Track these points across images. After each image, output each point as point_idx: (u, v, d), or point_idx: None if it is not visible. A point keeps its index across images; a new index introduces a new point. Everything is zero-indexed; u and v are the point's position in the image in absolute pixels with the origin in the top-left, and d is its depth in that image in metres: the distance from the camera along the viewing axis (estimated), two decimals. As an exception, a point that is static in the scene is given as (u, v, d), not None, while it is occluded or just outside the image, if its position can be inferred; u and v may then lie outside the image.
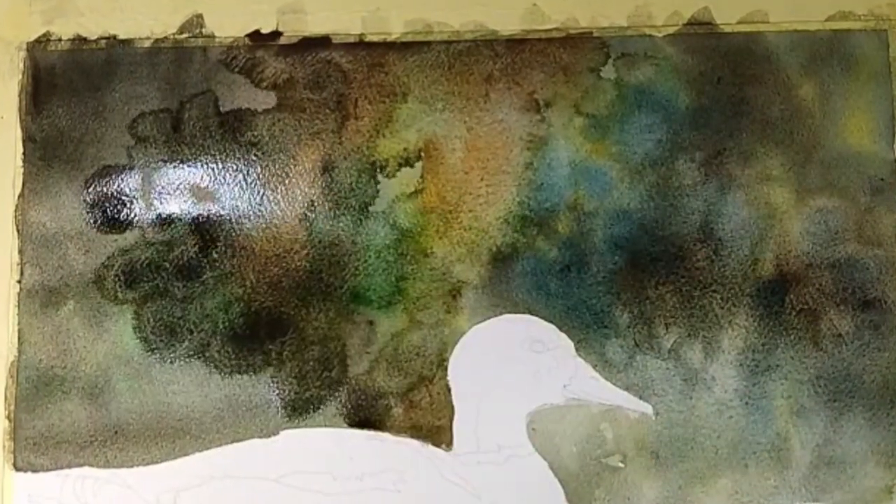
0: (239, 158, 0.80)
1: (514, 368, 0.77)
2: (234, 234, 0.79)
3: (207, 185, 0.80)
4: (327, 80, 0.80)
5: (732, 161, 0.80)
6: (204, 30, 0.81)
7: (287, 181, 0.79)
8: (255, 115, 0.80)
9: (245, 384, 0.78)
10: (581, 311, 0.78)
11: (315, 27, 0.81)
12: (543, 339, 0.78)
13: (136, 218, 0.79)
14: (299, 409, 0.78)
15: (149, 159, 0.80)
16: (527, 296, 0.79)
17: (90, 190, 0.80)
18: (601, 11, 0.81)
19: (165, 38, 0.81)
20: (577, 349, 0.78)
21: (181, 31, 0.81)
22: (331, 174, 0.80)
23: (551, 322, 0.78)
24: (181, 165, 0.80)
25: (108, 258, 0.79)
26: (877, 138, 0.80)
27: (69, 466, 0.77)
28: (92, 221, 0.79)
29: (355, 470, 0.76)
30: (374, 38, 0.81)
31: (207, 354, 0.78)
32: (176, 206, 0.80)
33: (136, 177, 0.80)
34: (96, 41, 0.81)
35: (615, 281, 0.79)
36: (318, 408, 0.78)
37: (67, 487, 0.77)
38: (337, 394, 0.78)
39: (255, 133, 0.80)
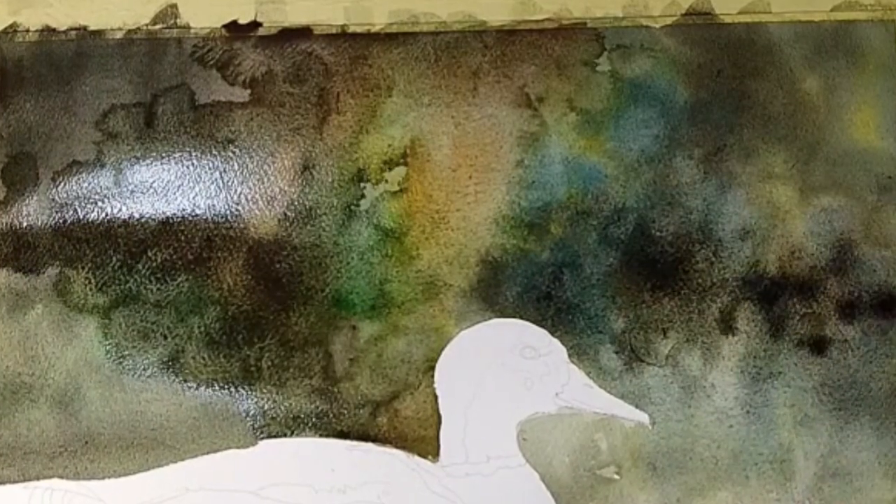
0: (215, 155, 0.80)
1: (503, 375, 0.77)
2: (209, 234, 0.79)
3: (182, 183, 0.79)
4: (308, 73, 0.80)
5: (733, 158, 0.80)
6: (178, 20, 0.81)
7: (265, 179, 0.79)
8: (232, 110, 0.80)
9: (222, 392, 0.78)
10: (574, 315, 0.78)
11: (295, 18, 0.81)
12: (535, 345, 0.77)
13: (107, 217, 0.79)
14: (278, 418, 0.77)
15: (120, 155, 0.80)
16: (517, 299, 0.78)
17: (59, 188, 0.79)
18: (595, 1, 0.81)
19: (138, 29, 0.81)
20: (569, 355, 0.78)
21: (155, 21, 0.81)
22: (311, 172, 0.79)
23: (543, 327, 0.78)
24: (154, 162, 0.80)
25: (78, 259, 0.79)
26: (884, 134, 0.80)
27: (37, 478, 0.77)
28: (61, 221, 0.79)
29: (337, 482, 0.76)
30: (358, 30, 0.81)
31: (182, 361, 0.78)
32: (149, 204, 0.79)
33: (107, 174, 0.80)
34: (65, 32, 0.81)
35: (610, 284, 0.79)
36: (299, 417, 0.77)
37: (35, 500, 0.76)
38: (318, 402, 0.77)
39: (232, 129, 0.80)
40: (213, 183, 0.79)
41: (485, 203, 0.79)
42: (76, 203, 0.79)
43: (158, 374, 0.78)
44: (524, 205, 0.79)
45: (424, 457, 0.76)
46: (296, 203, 0.79)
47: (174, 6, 0.81)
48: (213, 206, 0.79)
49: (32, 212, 0.79)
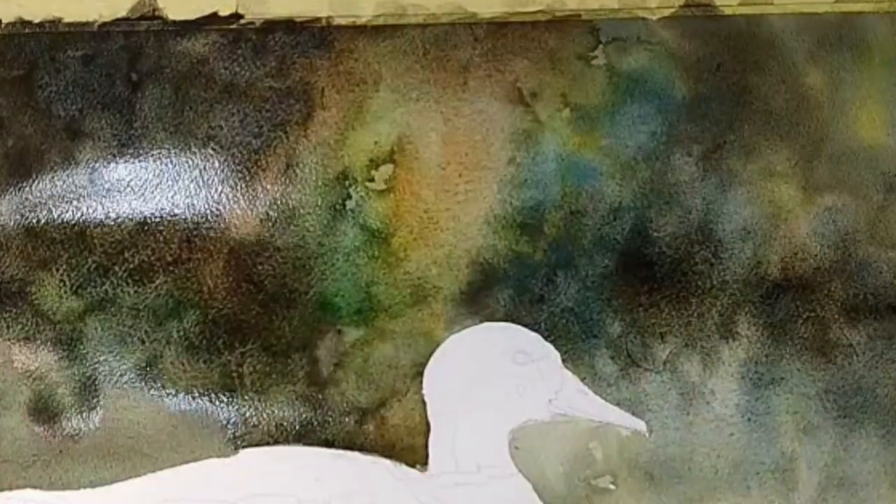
0: (194, 153, 0.79)
1: (495, 382, 0.77)
2: (189, 235, 0.78)
3: (160, 182, 0.79)
4: (291, 67, 0.80)
5: (733, 155, 0.80)
6: (157, 12, 0.80)
7: (247, 178, 0.79)
8: (213, 106, 0.79)
9: (202, 399, 0.77)
10: (568, 319, 0.78)
11: (278, 9, 0.80)
12: (527, 350, 0.77)
13: (83, 217, 0.79)
14: (261, 426, 0.77)
15: (96, 153, 0.79)
16: (509, 302, 0.78)
17: (32, 187, 0.79)
18: (590, -8, 0.81)
19: (115, 21, 0.80)
20: (563, 361, 0.77)
21: (132, 13, 0.80)
22: (295, 170, 0.79)
23: (536, 331, 0.78)
24: (132, 160, 0.79)
25: (52, 262, 0.78)
26: (891, 131, 0.80)
27: (10, 488, 0.76)
28: (34, 221, 0.78)
29: (322, 492, 0.75)
30: (343, 22, 0.80)
31: (160, 367, 0.77)
32: (126, 204, 0.79)
33: (82, 172, 0.79)
34: (39, 25, 0.80)
35: (606, 286, 0.78)
36: (282, 424, 0.77)
37: (8, 511, 0.76)
38: (302, 409, 0.77)
39: (212, 125, 0.79)
40: (192, 181, 0.79)
41: (475, 202, 0.79)
42: (50, 203, 0.79)
43: (136, 381, 0.77)
44: (516, 204, 0.79)
45: (412, 466, 0.76)
46: (279, 202, 0.79)
47: (152, -3, 0.81)
48: (193, 205, 0.79)
49: (4, 212, 0.79)
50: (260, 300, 0.78)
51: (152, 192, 0.79)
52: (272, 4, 0.80)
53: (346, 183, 0.79)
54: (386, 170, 0.79)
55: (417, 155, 0.79)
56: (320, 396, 0.77)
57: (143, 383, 0.77)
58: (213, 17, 0.80)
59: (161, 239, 0.78)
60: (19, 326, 0.78)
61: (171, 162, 0.79)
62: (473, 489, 0.75)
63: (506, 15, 0.80)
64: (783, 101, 0.80)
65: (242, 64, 0.79)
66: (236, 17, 0.80)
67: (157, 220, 0.78)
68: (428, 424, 0.76)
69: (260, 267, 0.78)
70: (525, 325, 0.78)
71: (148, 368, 0.77)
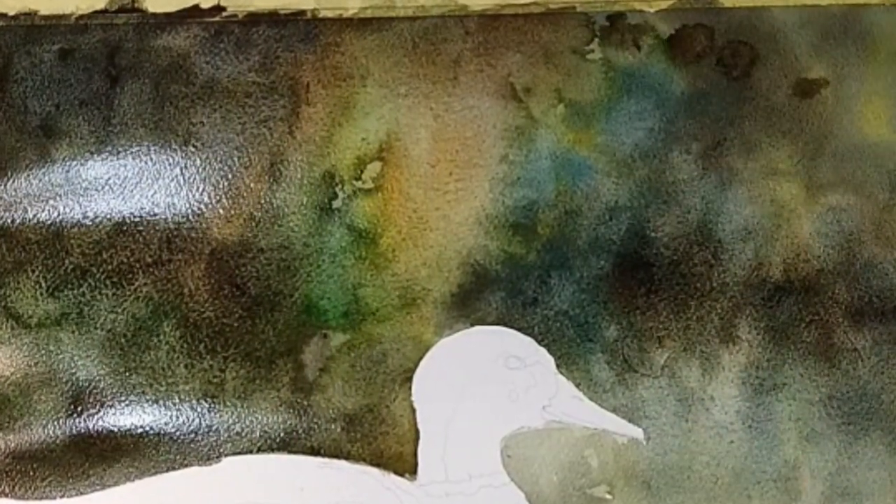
0: (175, 150, 0.79)
1: (486, 387, 0.76)
2: (169, 236, 0.78)
3: (139, 181, 0.78)
4: (275, 61, 0.79)
5: (733, 153, 0.79)
6: (136, 5, 0.80)
7: (230, 176, 0.78)
8: (194, 102, 0.79)
9: (183, 405, 0.77)
10: (563, 322, 0.78)
11: (262, 1, 0.80)
12: (520, 355, 0.77)
13: (59, 217, 0.78)
14: (244, 434, 0.76)
15: (73, 151, 0.79)
16: (501, 306, 0.78)
17: (7, 186, 0.78)
18: (586, -16, 0.81)
19: (93, 14, 0.80)
20: (558, 366, 0.77)
21: (111, 6, 0.80)
22: (280, 168, 0.78)
23: (529, 335, 0.77)
24: (110, 158, 0.79)
25: (28, 263, 0.78)
26: (896, 127, 0.80)
27: (-16, 498, 0.76)
28: (9, 221, 0.78)
29: (307, 502, 0.75)
30: (329, 14, 0.80)
31: (140, 372, 0.77)
32: (104, 204, 0.78)
33: (59, 170, 0.78)
34: (14, 18, 0.80)
35: (601, 289, 0.78)
36: (266, 432, 0.77)
37: (-17, 522, 0.76)
38: (287, 416, 0.77)
39: (194, 121, 0.79)
40: (173, 180, 0.78)
41: (467, 202, 0.78)
42: (25, 202, 0.78)
43: (114, 387, 0.76)
44: (509, 203, 0.78)
45: (401, 475, 0.76)
46: (263, 202, 0.78)
47: (132, -10, 0.81)
48: (174, 205, 0.78)
49: (-22, 212, 0.79)
50: (243, 303, 0.77)
51: (131, 192, 0.78)
52: (256, -4, 0.80)
53: (333, 182, 0.78)
54: (374, 168, 0.78)
55: (406, 152, 0.79)
56: (306, 403, 0.77)
57: (121, 389, 0.77)
58: (195, 10, 0.80)
59: (140, 240, 0.78)
60: (-6, 330, 0.78)
61: (151, 160, 0.78)
62: (464, 498, 0.75)
63: (498, 7, 0.80)
64: (785, 97, 0.80)
65: (225, 58, 0.79)
66: (218, 9, 0.80)
67: (137, 220, 0.78)
68: (417, 432, 0.76)
69: (243, 269, 0.78)
70: (518, 329, 0.77)
71: (127, 374, 0.77)
